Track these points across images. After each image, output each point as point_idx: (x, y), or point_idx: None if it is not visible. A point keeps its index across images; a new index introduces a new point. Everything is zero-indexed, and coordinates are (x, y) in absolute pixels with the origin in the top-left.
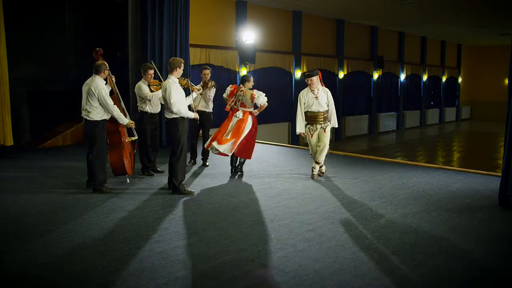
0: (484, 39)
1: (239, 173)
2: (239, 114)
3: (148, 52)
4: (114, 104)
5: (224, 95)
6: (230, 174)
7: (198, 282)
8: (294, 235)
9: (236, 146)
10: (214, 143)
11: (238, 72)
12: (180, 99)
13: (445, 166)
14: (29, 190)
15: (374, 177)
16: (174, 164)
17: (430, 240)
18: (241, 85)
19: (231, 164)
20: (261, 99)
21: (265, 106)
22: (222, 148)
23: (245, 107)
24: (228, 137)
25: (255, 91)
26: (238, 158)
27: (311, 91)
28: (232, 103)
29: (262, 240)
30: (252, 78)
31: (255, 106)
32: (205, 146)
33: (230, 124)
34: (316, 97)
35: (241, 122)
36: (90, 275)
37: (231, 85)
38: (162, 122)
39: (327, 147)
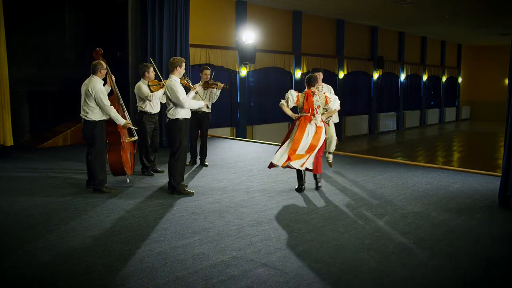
0: (484, 39)
1: (319, 186)
2: (317, 121)
3: (148, 52)
4: (111, 105)
5: (285, 103)
6: (297, 190)
7: (198, 282)
8: (294, 235)
9: (312, 161)
10: (287, 161)
11: (238, 72)
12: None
13: (445, 166)
14: (29, 190)
15: (374, 177)
16: (174, 165)
17: (430, 240)
18: (312, 88)
19: (300, 180)
20: (336, 103)
21: (335, 112)
22: (297, 163)
23: (318, 113)
24: (303, 152)
25: (327, 94)
26: (306, 173)
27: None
28: (305, 111)
29: (262, 240)
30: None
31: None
32: (280, 165)
33: (306, 134)
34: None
35: (319, 131)
36: (90, 275)
37: (293, 90)
38: (162, 122)
39: None
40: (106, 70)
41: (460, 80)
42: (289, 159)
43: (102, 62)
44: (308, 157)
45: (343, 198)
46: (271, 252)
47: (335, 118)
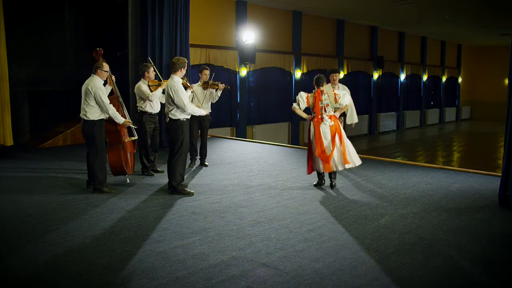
0: (484, 39)
1: (334, 185)
2: (328, 120)
3: (148, 52)
4: (111, 103)
5: (297, 106)
6: (316, 184)
7: (198, 282)
8: (294, 235)
9: (339, 157)
10: (321, 166)
11: (238, 72)
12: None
13: (445, 166)
14: (29, 190)
15: (374, 177)
16: (174, 165)
17: (430, 240)
18: (320, 87)
19: (320, 176)
20: (346, 98)
21: (348, 107)
22: (340, 166)
23: (326, 111)
24: (330, 152)
25: (335, 90)
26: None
27: (332, 87)
28: (315, 111)
29: (262, 240)
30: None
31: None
32: (320, 171)
33: (323, 137)
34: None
35: (335, 128)
36: (90, 275)
37: (302, 92)
38: (162, 122)
39: None
40: (107, 73)
41: (460, 80)
42: (327, 162)
43: (104, 64)
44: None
45: (343, 198)
46: (271, 252)
47: (355, 118)
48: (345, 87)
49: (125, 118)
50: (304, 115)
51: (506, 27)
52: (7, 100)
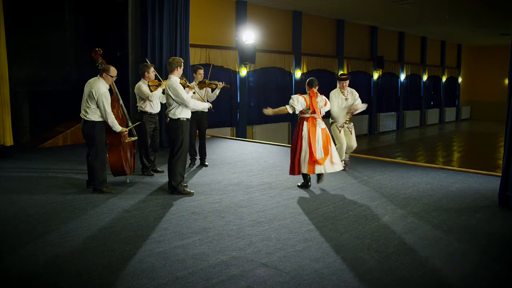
0: (484, 39)
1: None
2: (321, 122)
3: (148, 52)
4: (111, 104)
5: (295, 106)
6: (302, 186)
7: (198, 282)
8: (294, 235)
9: (331, 160)
10: (318, 167)
11: (238, 72)
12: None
13: (445, 166)
14: (29, 190)
15: (374, 177)
16: (174, 165)
17: (430, 240)
18: (313, 89)
19: (306, 179)
20: (328, 107)
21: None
22: (332, 168)
23: (321, 113)
24: (322, 155)
25: (323, 97)
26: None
27: (342, 92)
28: (311, 112)
29: (262, 240)
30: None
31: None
32: (305, 172)
33: (316, 139)
34: (346, 98)
35: (325, 134)
36: (90, 275)
37: (296, 95)
38: (162, 122)
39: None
40: (112, 78)
41: (460, 80)
42: (317, 163)
43: (112, 68)
44: (328, 159)
45: (343, 198)
46: (271, 252)
47: (360, 106)
48: (353, 91)
49: (125, 119)
50: (282, 111)
51: (506, 27)
52: (7, 100)
